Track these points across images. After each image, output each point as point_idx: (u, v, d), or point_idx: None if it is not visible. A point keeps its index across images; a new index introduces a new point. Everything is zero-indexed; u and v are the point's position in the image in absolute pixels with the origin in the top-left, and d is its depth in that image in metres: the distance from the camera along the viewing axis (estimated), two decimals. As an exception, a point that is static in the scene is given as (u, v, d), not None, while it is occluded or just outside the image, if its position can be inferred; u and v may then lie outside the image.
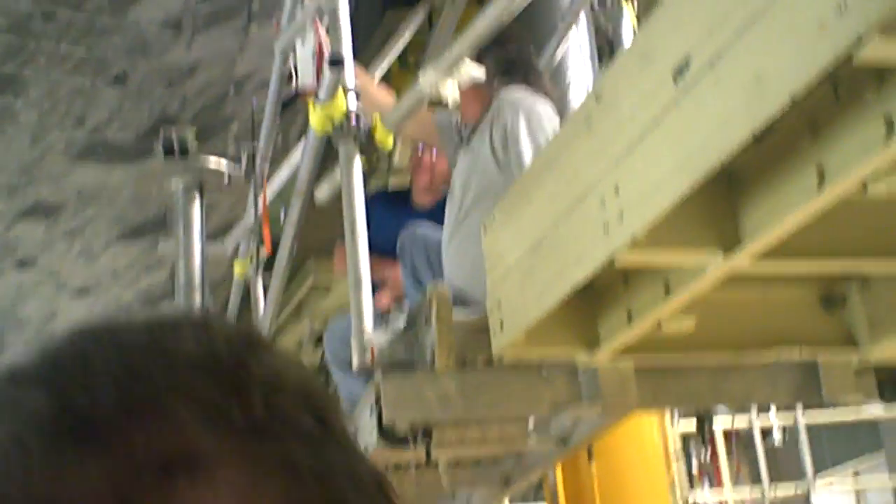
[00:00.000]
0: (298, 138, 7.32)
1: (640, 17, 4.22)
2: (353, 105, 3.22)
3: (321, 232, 8.53)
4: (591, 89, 2.25)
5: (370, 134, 3.30)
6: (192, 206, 4.62)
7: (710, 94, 1.72)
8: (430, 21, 8.15)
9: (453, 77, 3.10)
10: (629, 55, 2.08)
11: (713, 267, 2.03)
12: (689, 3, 1.77)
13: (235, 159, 6.56)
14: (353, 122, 3.23)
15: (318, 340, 9.41)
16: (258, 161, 4.57)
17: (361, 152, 3.26)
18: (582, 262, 2.23)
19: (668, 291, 2.22)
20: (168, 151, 4.60)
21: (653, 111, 1.90)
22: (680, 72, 1.78)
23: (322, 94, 3.29)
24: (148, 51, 5.31)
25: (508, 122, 3.29)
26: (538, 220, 2.43)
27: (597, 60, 6.45)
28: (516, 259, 2.57)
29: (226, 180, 4.87)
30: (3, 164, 5.91)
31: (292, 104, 6.86)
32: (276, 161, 6.67)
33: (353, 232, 3.12)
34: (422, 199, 4.48)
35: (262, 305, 4.40)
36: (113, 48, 5.18)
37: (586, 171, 2.20)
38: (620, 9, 4.16)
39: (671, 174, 1.84)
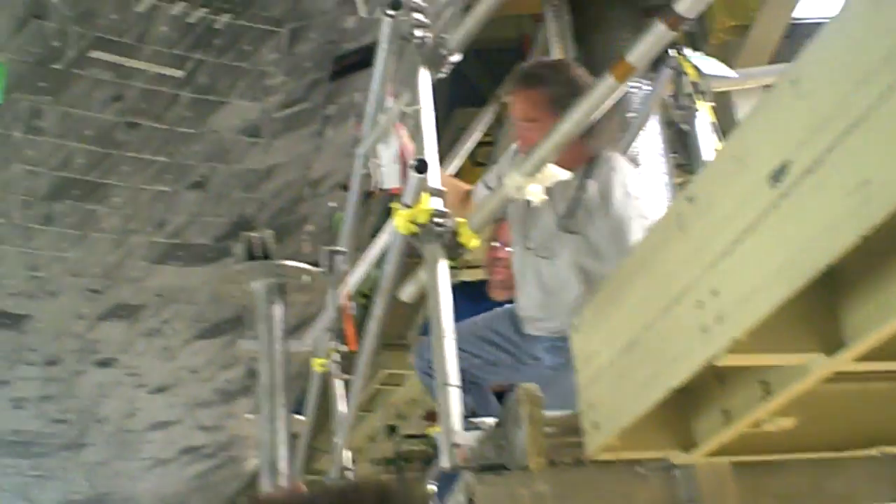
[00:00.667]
0: (372, 234, 7.41)
1: (716, 112, 4.24)
2: (437, 207, 3.24)
3: (393, 325, 8.57)
4: (683, 190, 2.25)
5: (455, 235, 3.32)
6: (274, 307, 4.69)
7: (810, 198, 1.72)
8: (498, 119, 8.28)
9: (538, 180, 3.12)
10: (723, 157, 2.09)
11: (815, 369, 2.00)
12: (786, 107, 1.78)
13: (311, 257, 6.67)
14: (438, 224, 3.25)
15: (392, 430, 9.39)
16: (337, 260, 4.62)
17: (446, 254, 3.28)
18: (679, 365, 2.21)
19: (767, 392, 2.19)
20: (250, 254, 4.70)
21: (750, 214, 1.90)
22: (777, 176, 1.78)
23: (407, 197, 3.32)
24: (227, 156, 5.44)
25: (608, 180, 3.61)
26: (631, 320, 2.43)
27: (669, 154, 6.47)
28: (609, 360, 2.56)
29: (306, 280, 4.94)
30: (87, 268, 6.05)
31: (366, 204, 6.96)
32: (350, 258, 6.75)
33: (440, 333, 3.12)
34: (498, 294, 4.50)
35: (341, 401, 4.41)
36: (193, 155, 5.32)
37: (681, 273, 2.19)
38: (695, 104, 4.18)
39: (772, 278, 1.84)
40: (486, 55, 9.54)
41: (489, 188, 4.08)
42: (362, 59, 4.78)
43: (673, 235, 2.26)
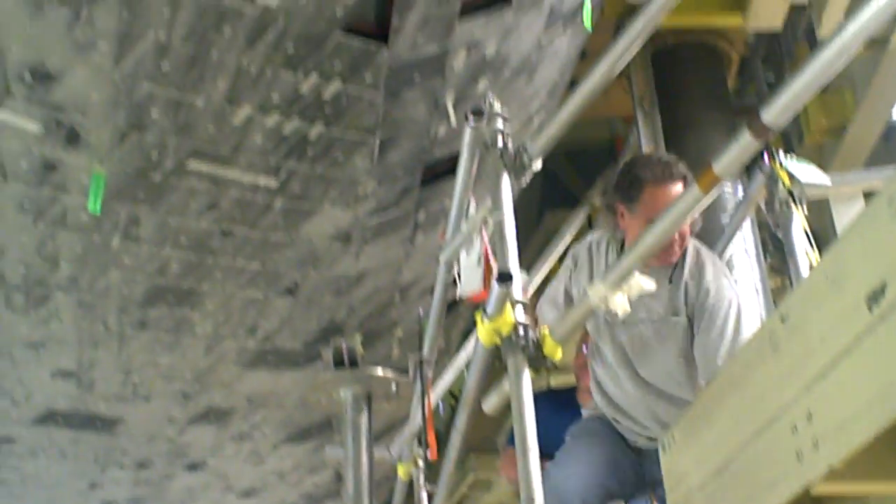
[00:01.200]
0: (460, 341, 7.39)
1: (813, 215, 4.16)
2: (520, 318, 3.20)
3: (481, 429, 8.46)
4: (776, 309, 2.18)
5: (539, 346, 3.27)
6: (361, 415, 4.67)
7: (910, 322, 1.65)
8: (589, 222, 8.25)
9: (623, 291, 3.07)
10: (816, 277, 2.03)
11: (917, 498, 1.90)
12: (882, 226, 1.72)
13: (400, 361, 6.66)
14: (522, 336, 3.20)
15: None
16: (423, 367, 4.60)
17: (530, 365, 3.23)
18: (774, 490, 2.12)
19: (867, 520, 2.08)
20: (338, 362, 4.70)
21: (845, 337, 1.83)
22: (875, 298, 1.72)
23: (490, 308, 3.29)
24: (318, 263, 5.49)
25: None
26: (723, 441, 2.34)
27: (763, 260, 6.35)
28: (700, 481, 2.47)
29: (393, 389, 4.92)
30: (179, 373, 6.12)
31: (455, 308, 6.96)
32: (439, 361, 6.73)
33: (524, 445, 3.05)
34: (587, 399, 4.43)
35: (427, 508, 4.35)
36: (285, 261, 5.38)
37: (775, 394, 2.12)
38: (790, 210, 4.09)
39: (870, 404, 1.75)
40: (578, 157, 9.57)
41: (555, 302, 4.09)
42: (453, 166, 4.81)
43: (766, 355, 2.19)
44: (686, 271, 3.81)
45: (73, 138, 4.22)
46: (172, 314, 5.51)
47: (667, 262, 3.80)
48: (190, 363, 6.00)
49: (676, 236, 3.74)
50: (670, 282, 3.79)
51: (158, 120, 4.26)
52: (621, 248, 3.92)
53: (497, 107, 3.61)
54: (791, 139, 8.79)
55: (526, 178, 3.60)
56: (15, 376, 5.90)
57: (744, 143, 2.46)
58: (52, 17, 3.67)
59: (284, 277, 5.50)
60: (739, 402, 2.29)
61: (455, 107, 4.79)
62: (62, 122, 4.14)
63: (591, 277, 3.95)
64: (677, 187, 3.67)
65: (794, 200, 4.10)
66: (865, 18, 2.10)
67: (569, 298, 4.06)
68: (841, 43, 2.15)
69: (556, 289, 4.11)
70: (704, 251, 3.96)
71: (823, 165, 8.04)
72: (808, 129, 8.53)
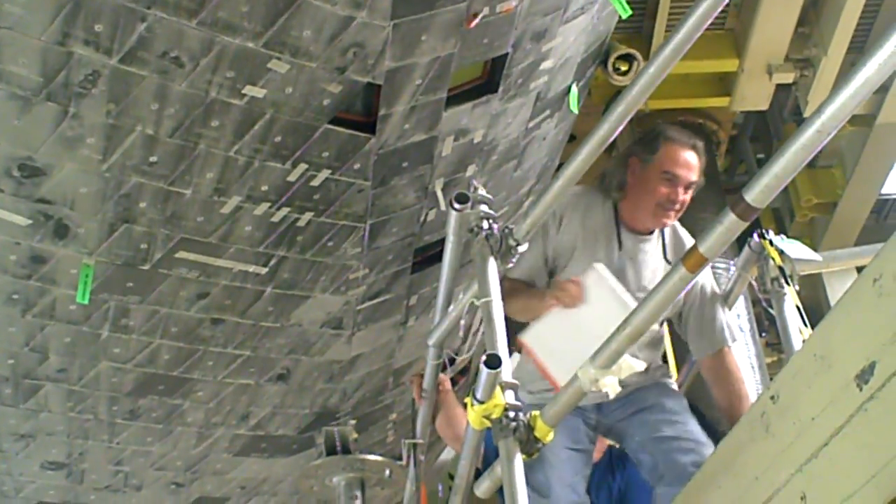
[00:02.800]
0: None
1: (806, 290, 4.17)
2: (511, 401, 3.18)
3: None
4: (766, 388, 2.17)
5: (530, 429, 3.24)
6: (354, 502, 4.62)
7: (899, 401, 1.63)
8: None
9: (613, 373, 3.05)
10: (805, 356, 2.01)
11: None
12: (868, 306, 1.71)
13: (395, 445, 6.60)
14: (512, 419, 3.18)
15: None
16: (416, 451, 4.56)
17: (522, 449, 3.19)
18: (771, 576, 2.08)
19: None
20: (330, 449, 4.67)
21: (836, 416, 1.81)
22: (864, 377, 1.70)
23: (479, 392, 3.27)
24: (310, 349, 5.47)
25: None
26: (719, 526, 2.31)
27: (758, 336, 6.34)
28: (697, 567, 2.43)
29: (387, 474, 4.87)
30: (171, 462, 6.05)
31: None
32: (434, 445, 6.66)
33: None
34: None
35: None
36: (277, 348, 5.36)
37: (768, 476, 2.09)
38: (781, 287, 4.10)
39: (864, 486, 1.73)
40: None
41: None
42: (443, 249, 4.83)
43: (758, 435, 2.17)
44: (669, 249, 3.95)
45: (61, 231, 4.23)
46: (163, 403, 5.46)
47: (660, 225, 3.90)
48: (182, 452, 5.93)
49: (678, 205, 3.85)
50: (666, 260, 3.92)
51: (147, 211, 4.27)
52: (615, 211, 3.93)
53: (481, 191, 3.63)
54: (782, 216, 8.85)
55: (513, 262, 3.61)
56: (4, 469, 5.82)
57: (728, 224, 2.46)
58: (40, 113, 3.70)
59: (276, 364, 5.47)
60: (734, 483, 2.26)
61: (444, 192, 4.82)
62: (50, 216, 4.15)
63: (584, 235, 3.90)
64: (692, 154, 3.87)
65: (785, 278, 4.11)
66: (844, 99, 2.12)
67: (545, 264, 3.93)
68: (820, 123, 2.17)
69: (531, 263, 3.91)
70: (680, 228, 4.06)
71: (815, 242, 8.09)
72: (798, 206, 8.59)
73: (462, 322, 3.83)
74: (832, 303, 7.14)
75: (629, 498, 4.03)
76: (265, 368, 5.49)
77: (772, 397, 2.11)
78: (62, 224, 4.19)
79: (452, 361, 3.99)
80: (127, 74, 3.64)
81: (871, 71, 2.07)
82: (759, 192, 2.36)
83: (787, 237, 4.53)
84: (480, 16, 3.98)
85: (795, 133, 2.24)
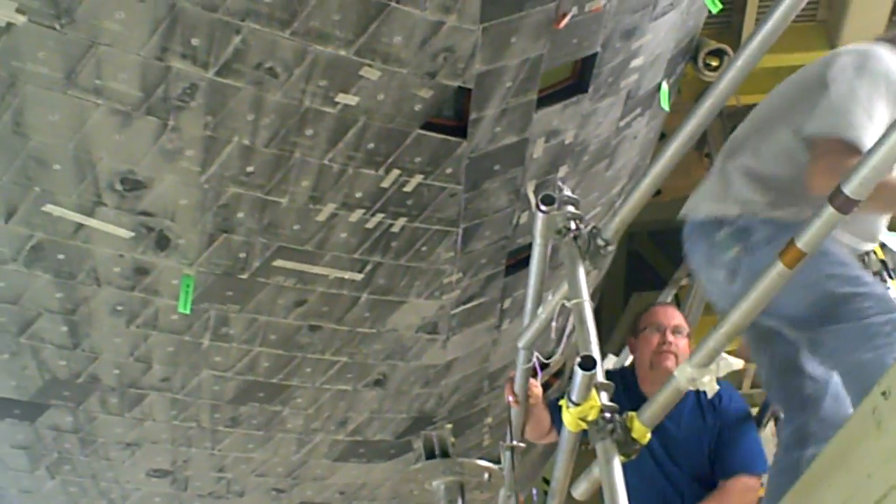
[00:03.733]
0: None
1: None
2: (606, 402, 3.15)
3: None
4: (877, 384, 2.12)
5: (627, 430, 3.21)
6: (455, 504, 4.63)
7: None
8: (677, 302, 8.15)
9: (711, 371, 3.00)
10: (916, 350, 1.96)
11: None
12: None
13: (491, 449, 6.60)
14: (609, 420, 3.15)
15: None
16: (513, 454, 4.54)
17: (620, 451, 3.16)
18: (888, 574, 2.02)
19: None
20: (429, 453, 4.70)
21: (952, 409, 1.76)
22: (981, 369, 1.65)
23: (574, 394, 3.25)
24: (406, 354, 5.51)
25: None
26: (831, 524, 2.26)
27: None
28: (808, 566, 2.38)
29: (486, 478, 4.87)
30: (272, 468, 6.14)
31: (544, 393, 6.87)
32: (532, 448, 6.64)
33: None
34: None
35: None
36: (373, 354, 5.40)
37: (881, 471, 2.04)
38: (885, 282, 4.00)
39: None
40: (663, 237, 9.52)
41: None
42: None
43: (870, 432, 2.12)
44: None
45: (162, 243, 4.33)
46: (263, 410, 5.55)
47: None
48: (282, 458, 6.02)
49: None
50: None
51: (245, 221, 4.35)
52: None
53: (567, 192, 3.61)
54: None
55: (603, 261, 3.58)
56: (111, 477, 5.97)
57: (827, 217, 2.41)
58: (140, 127, 3.80)
59: (373, 369, 5.52)
60: (846, 480, 2.21)
61: (536, 194, 4.81)
62: (152, 228, 4.25)
63: None
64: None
65: (888, 271, 4.01)
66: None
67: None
68: (926, 110, 2.11)
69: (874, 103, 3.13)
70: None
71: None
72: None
73: (554, 324, 3.82)
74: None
75: None
76: (362, 374, 5.54)
77: (883, 393, 2.06)
78: (163, 236, 4.29)
79: (543, 365, 3.97)
80: (223, 87, 3.71)
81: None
82: (858, 183, 2.30)
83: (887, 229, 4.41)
84: (570, 15, 3.97)
85: (892, 125, 2.19)
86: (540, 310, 3.83)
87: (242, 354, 5.11)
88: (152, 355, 4.97)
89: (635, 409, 3.32)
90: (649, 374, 4.01)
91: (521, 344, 3.96)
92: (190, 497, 6.26)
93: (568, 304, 3.31)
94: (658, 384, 3.74)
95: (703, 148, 6.76)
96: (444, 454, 4.65)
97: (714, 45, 6.08)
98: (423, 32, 3.78)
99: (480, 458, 4.93)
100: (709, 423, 3.93)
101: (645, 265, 9.42)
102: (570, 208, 3.47)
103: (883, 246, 4.17)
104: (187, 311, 4.54)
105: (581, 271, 3.37)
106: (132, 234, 4.25)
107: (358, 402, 5.76)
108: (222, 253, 4.46)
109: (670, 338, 4.01)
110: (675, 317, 4.13)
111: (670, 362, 3.96)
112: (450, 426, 5.56)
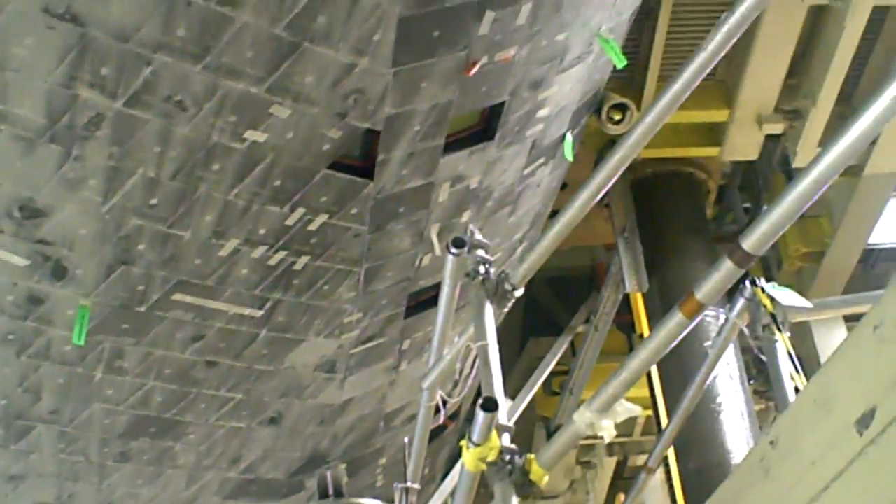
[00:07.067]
0: (446, 468, 7.30)
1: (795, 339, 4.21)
2: (506, 444, 3.20)
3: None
4: (765, 433, 2.20)
5: (525, 472, 3.25)
6: (346, 547, 4.61)
7: (900, 446, 1.67)
8: (573, 348, 8.28)
9: (609, 417, 3.07)
10: (805, 401, 2.05)
11: None
12: (868, 352, 1.75)
13: (384, 489, 6.58)
14: (508, 461, 3.20)
15: None
16: (408, 495, 4.57)
17: (517, 492, 3.21)
18: None
19: None
20: (322, 493, 4.67)
21: (836, 461, 1.84)
22: (864, 422, 1.74)
23: (475, 434, 3.29)
24: (302, 392, 5.48)
25: None
26: (718, 570, 2.33)
27: (747, 383, 6.37)
28: None
29: (378, 519, 4.87)
30: (160, 506, 6.02)
31: (439, 435, 6.90)
32: (424, 490, 6.65)
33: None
34: None
35: None
36: (269, 391, 5.36)
37: (767, 521, 2.11)
38: (773, 334, 4.14)
39: (865, 530, 1.76)
40: (560, 284, 9.66)
41: None
42: (437, 295, 4.87)
43: (757, 479, 2.19)
44: None
45: (59, 272, 4.24)
46: (154, 445, 5.44)
47: None
48: (171, 495, 5.90)
49: None
50: None
51: (145, 253, 4.29)
52: None
53: (478, 236, 3.68)
54: (770, 265, 8.91)
55: (508, 306, 3.65)
56: (-8, 512, 5.79)
57: (725, 271, 2.51)
58: (42, 155, 3.74)
59: (268, 407, 5.47)
60: (733, 530, 2.28)
61: (439, 237, 4.86)
62: (49, 257, 4.17)
63: None
64: None
65: (777, 325, 4.16)
66: (841, 149, 2.17)
67: None
68: (817, 173, 2.22)
69: None
70: None
71: (803, 291, 8.13)
72: (786, 256, 8.66)
73: (458, 366, 3.87)
74: (820, 351, 7.18)
75: None
76: (257, 411, 5.49)
77: (771, 442, 2.14)
78: (60, 265, 4.21)
79: (445, 404, 4.02)
80: (131, 117, 3.68)
81: (867, 123, 2.12)
82: (757, 239, 2.41)
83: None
84: (479, 64, 4.05)
85: (792, 182, 2.30)
86: (445, 351, 3.87)
87: (136, 388, 5.02)
88: (42, 386, 4.85)
89: None
90: None
91: (425, 384, 4.00)
92: (74, 535, 6.10)
93: (473, 347, 3.36)
94: None
95: (604, 199, 6.91)
96: (338, 494, 4.62)
97: (618, 98, 6.24)
98: (335, 73, 3.81)
99: (374, 499, 4.92)
100: None
101: (542, 311, 9.55)
102: (481, 252, 3.53)
103: (772, 299, 4.33)
104: (81, 343, 4.45)
105: (488, 314, 3.43)
106: (27, 261, 4.16)
107: (252, 439, 5.70)
108: (120, 284, 4.39)
109: None
110: None
111: None
112: (343, 466, 5.55)
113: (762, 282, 4.43)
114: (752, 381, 6.60)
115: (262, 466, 5.96)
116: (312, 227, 4.46)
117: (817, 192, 2.29)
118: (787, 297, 4.40)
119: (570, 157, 5.38)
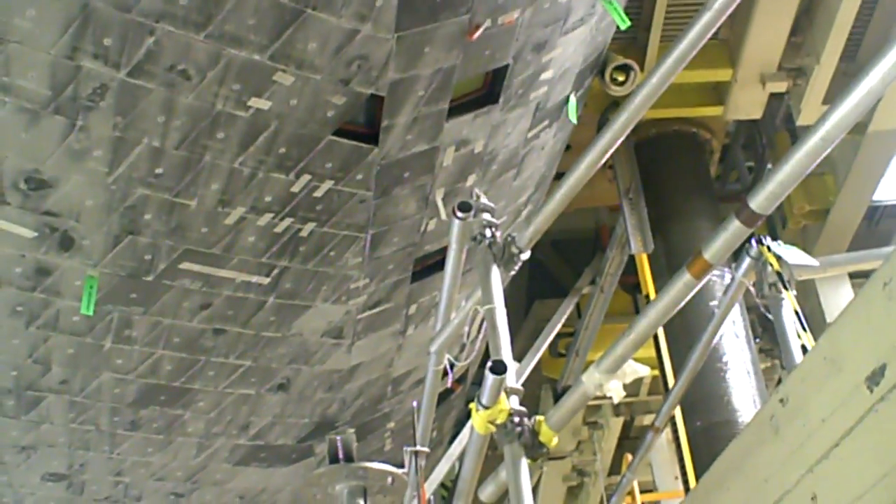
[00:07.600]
0: (453, 432, 7.35)
1: (801, 297, 4.20)
2: (515, 406, 3.22)
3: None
4: (775, 391, 2.21)
5: (535, 434, 3.27)
6: (357, 510, 4.64)
7: (910, 402, 1.68)
8: (578, 310, 8.29)
9: (617, 378, 3.09)
10: (814, 360, 2.06)
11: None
12: (879, 309, 1.76)
13: (392, 453, 6.62)
14: (517, 424, 3.21)
15: None
16: (416, 458, 4.59)
17: (527, 454, 3.23)
18: (782, 575, 2.12)
19: None
20: (332, 457, 4.70)
21: (846, 418, 1.85)
22: (874, 379, 1.75)
23: (484, 397, 3.30)
24: (310, 358, 5.50)
25: None
26: (728, 527, 2.35)
27: (753, 342, 6.39)
28: (706, 568, 2.46)
29: (389, 482, 4.90)
30: (171, 472, 6.06)
31: (447, 398, 6.94)
32: (432, 453, 6.69)
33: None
34: None
35: None
36: (277, 358, 5.38)
37: (778, 477, 2.13)
38: (779, 292, 4.14)
39: (875, 487, 1.77)
40: (565, 246, 9.67)
41: None
42: (443, 259, 4.88)
43: (766, 437, 2.21)
44: None
45: (66, 243, 4.25)
46: (164, 414, 5.48)
47: None
48: (182, 462, 5.95)
49: None
50: None
51: (151, 223, 4.30)
52: None
53: (484, 200, 3.68)
54: (775, 224, 8.91)
55: (515, 269, 3.66)
56: (5, 481, 5.83)
57: (733, 230, 2.51)
58: (47, 126, 3.74)
59: (276, 374, 5.50)
60: (743, 485, 2.30)
61: (444, 202, 4.86)
62: (56, 228, 4.18)
63: None
64: None
65: (784, 283, 4.16)
66: (848, 107, 2.17)
67: None
68: (824, 131, 2.22)
69: None
70: None
71: (807, 249, 8.15)
72: (791, 214, 8.64)
73: (466, 329, 3.87)
74: (825, 309, 7.18)
75: None
76: (266, 378, 5.52)
77: (781, 400, 2.15)
78: (67, 236, 4.22)
79: (453, 367, 4.04)
80: (134, 87, 3.68)
81: (874, 80, 2.12)
82: (764, 198, 2.41)
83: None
84: (483, 28, 4.03)
85: (799, 141, 2.30)
86: (452, 314, 3.88)
87: (145, 357, 5.04)
88: (52, 357, 4.88)
89: None
90: None
91: (432, 348, 4.01)
92: (86, 501, 6.14)
93: (481, 310, 3.37)
94: None
95: (608, 161, 6.90)
96: (349, 459, 4.65)
97: (621, 60, 6.21)
98: (337, 39, 3.79)
99: (383, 462, 4.95)
100: None
101: (547, 274, 9.57)
102: (487, 216, 3.53)
103: (779, 258, 4.32)
104: (90, 313, 4.47)
105: (495, 277, 3.43)
106: (35, 233, 4.17)
107: (260, 406, 5.73)
108: (128, 255, 4.41)
109: None
110: None
111: None
112: (351, 431, 5.58)
113: (768, 240, 4.43)
114: (758, 340, 6.62)
115: (271, 433, 5.99)
116: (318, 193, 4.47)
117: (825, 150, 2.29)
118: (794, 255, 4.39)
119: (574, 119, 5.37)
